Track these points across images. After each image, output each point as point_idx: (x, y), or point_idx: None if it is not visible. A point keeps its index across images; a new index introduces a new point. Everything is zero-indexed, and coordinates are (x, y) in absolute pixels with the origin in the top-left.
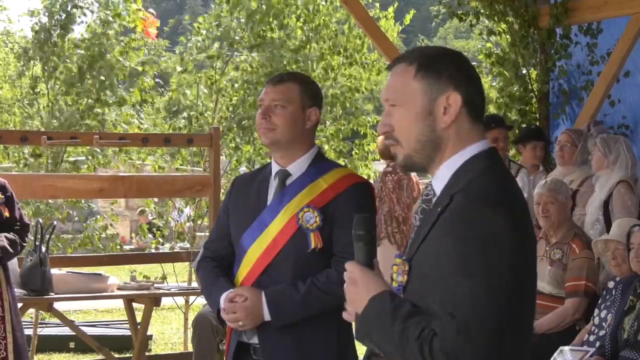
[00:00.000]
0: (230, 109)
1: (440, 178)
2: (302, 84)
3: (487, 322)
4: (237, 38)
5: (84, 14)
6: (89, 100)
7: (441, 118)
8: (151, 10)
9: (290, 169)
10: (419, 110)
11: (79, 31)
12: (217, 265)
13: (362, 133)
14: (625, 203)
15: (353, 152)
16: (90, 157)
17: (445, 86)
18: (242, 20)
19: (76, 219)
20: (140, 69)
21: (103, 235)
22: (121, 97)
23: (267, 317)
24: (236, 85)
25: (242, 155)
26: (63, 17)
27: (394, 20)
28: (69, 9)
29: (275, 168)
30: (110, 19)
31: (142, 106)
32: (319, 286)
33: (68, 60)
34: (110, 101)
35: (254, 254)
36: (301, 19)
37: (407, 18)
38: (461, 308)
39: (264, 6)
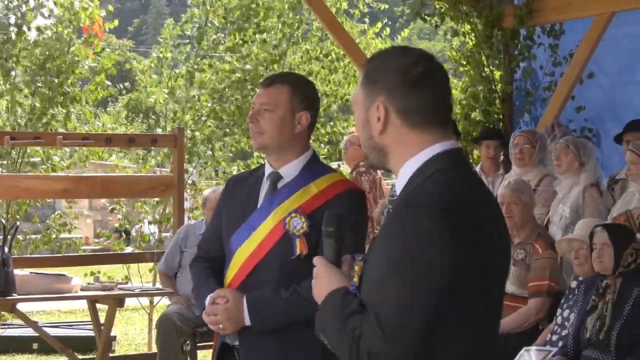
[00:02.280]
0: (205, 110)
1: (400, 180)
2: (293, 87)
3: (410, 322)
4: (213, 38)
5: (42, 14)
6: (44, 102)
7: (375, 126)
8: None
9: (283, 171)
10: (360, 118)
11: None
12: (209, 266)
13: (336, 140)
14: (597, 206)
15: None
16: (46, 159)
17: (377, 95)
18: (218, 22)
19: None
20: (96, 64)
21: (62, 235)
22: (75, 95)
23: (247, 321)
24: (210, 88)
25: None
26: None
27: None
28: (24, 9)
29: (268, 170)
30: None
31: (99, 107)
32: (301, 294)
33: (25, 60)
34: (65, 100)
35: (242, 256)
36: (281, 21)
37: (403, 35)
38: (385, 308)
39: (244, 9)
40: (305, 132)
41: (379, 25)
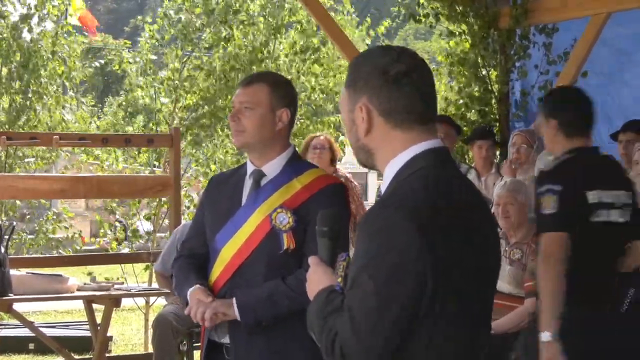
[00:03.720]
0: (190, 107)
1: (385, 180)
2: (272, 85)
3: (376, 322)
4: (196, 37)
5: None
6: (22, 100)
7: (360, 127)
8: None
9: (265, 169)
10: (346, 120)
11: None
12: (191, 262)
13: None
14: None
15: None
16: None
17: (359, 96)
18: (201, 18)
19: (28, 216)
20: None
21: (59, 235)
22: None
23: (237, 317)
24: (195, 86)
25: (201, 156)
26: None
27: (358, 27)
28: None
29: (250, 168)
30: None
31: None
32: (287, 283)
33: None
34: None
35: (227, 254)
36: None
37: (382, 27)
38: (356, 307)
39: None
40: (286, 129)
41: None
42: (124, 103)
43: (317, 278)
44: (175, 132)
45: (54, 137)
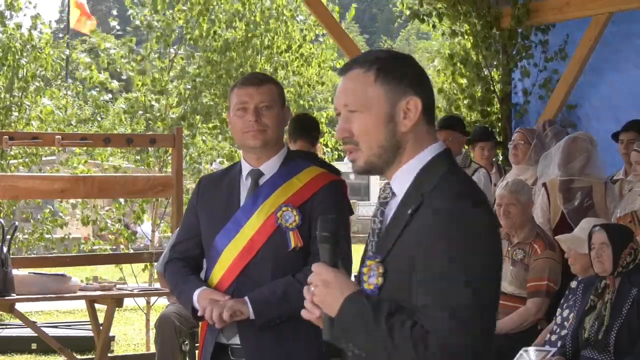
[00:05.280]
0: (180, 105)
1: (400, 180)
2: (277, 85)
3: (479, 316)
4: (180, 35)
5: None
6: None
7: (402, 123)
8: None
9: (263, 168)
10: (381, 115)
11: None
12: (185, 265)
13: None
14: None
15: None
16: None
17: (406, 91)
18: (182, 18)
19: (24, 215)
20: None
21: (60, 236)
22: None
23: (251, 315)
24: (183, 83)
25: (192, 155)
26: None
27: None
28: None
29: (246, 168)
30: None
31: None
32: (299, 280)
33: None
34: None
35: (230, 255)
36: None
37: (351, 14)
38: (455, 304)
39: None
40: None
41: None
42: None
43: (338, 284)
44: (177, 132)
45: (56, 137)
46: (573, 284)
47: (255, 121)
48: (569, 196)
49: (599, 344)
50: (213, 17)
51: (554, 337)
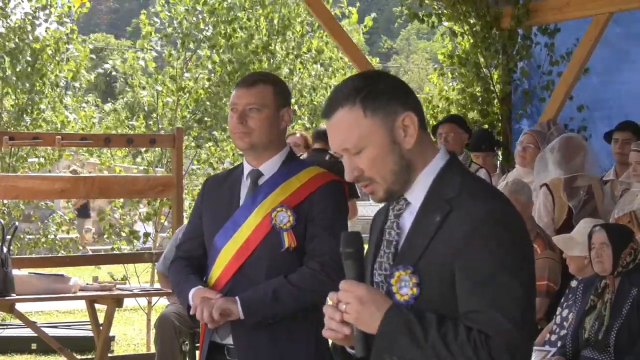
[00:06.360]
0: (191, 107)
1: (416, 191)
2: (275, 85)
3: (531, 313)
4: (200, 36)
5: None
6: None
7: (405, 140)
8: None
9: (263, 168)
10: (384, 144)
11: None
12: (188, 264)
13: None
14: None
15: None
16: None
17: (396, 109)
18: (204, 17)
19: (28, 215)
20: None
21: (60, 236)
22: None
23: (240, 314)
24: (199, 83)
25: (202, 155)
26: None
27: (357, 23)
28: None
29: (247, 168)
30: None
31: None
32: (291, 281)
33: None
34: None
35: (228, 254)
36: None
37: (368, 20)
38: (512, 306)
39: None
40: (285, 129)
41: (354, 11)
42: (127, 102)
43: (373, 300)
44: (177, 132)
45: (57, 137)
46: (573, 283)
47: (240, 123)
48: (574, 193)
49: (599, 344)
50: (235, 25)
51: (553, 337)
